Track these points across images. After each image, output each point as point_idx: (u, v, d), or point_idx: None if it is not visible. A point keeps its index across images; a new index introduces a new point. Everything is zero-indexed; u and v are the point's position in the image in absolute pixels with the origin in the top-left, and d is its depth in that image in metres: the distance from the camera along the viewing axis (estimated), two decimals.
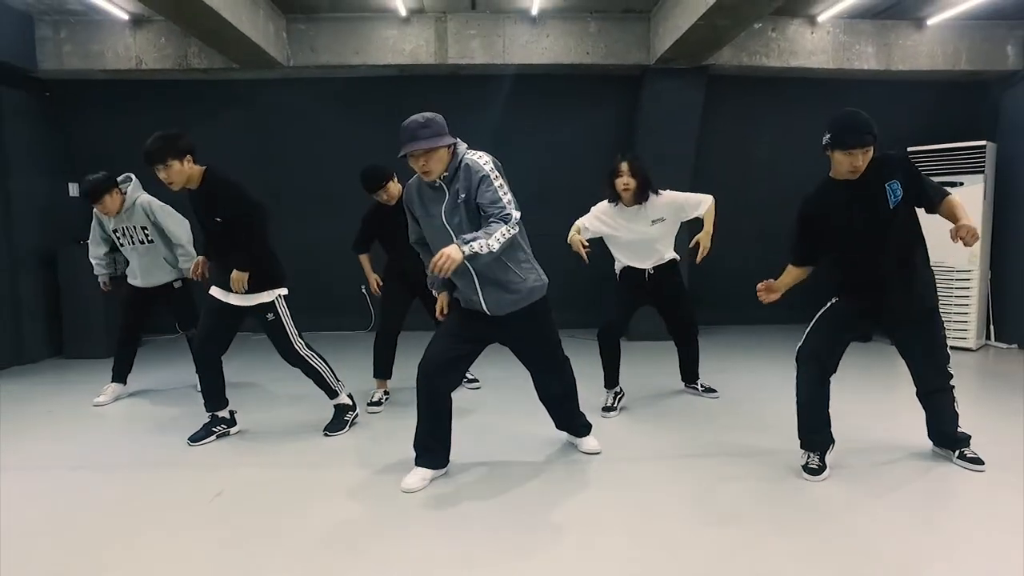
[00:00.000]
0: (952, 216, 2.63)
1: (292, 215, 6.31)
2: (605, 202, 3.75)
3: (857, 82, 5.92)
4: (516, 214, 2.55)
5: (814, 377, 2.83)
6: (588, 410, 3.25)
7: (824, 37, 5.63)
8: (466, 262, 2.44)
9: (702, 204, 3.69)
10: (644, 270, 3.80)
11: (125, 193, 4.00)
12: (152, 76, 5.66)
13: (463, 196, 2.57)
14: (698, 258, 3.68)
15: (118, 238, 4.08)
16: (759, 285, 2.93)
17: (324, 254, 6.35)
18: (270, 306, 3.27)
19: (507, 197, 2.55)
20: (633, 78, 5.96)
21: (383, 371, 4.08)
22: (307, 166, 6.27)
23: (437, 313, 2.92)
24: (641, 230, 3.69)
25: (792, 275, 2.93)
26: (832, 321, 2.84)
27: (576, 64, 5.64)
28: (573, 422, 3.15)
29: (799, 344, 2.88)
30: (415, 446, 2.84)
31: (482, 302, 2.70)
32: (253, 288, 3.19)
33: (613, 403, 3.84)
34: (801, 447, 2.87)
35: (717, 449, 3.22)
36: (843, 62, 5.66)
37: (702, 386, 4.19)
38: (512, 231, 2.51)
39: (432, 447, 2.82)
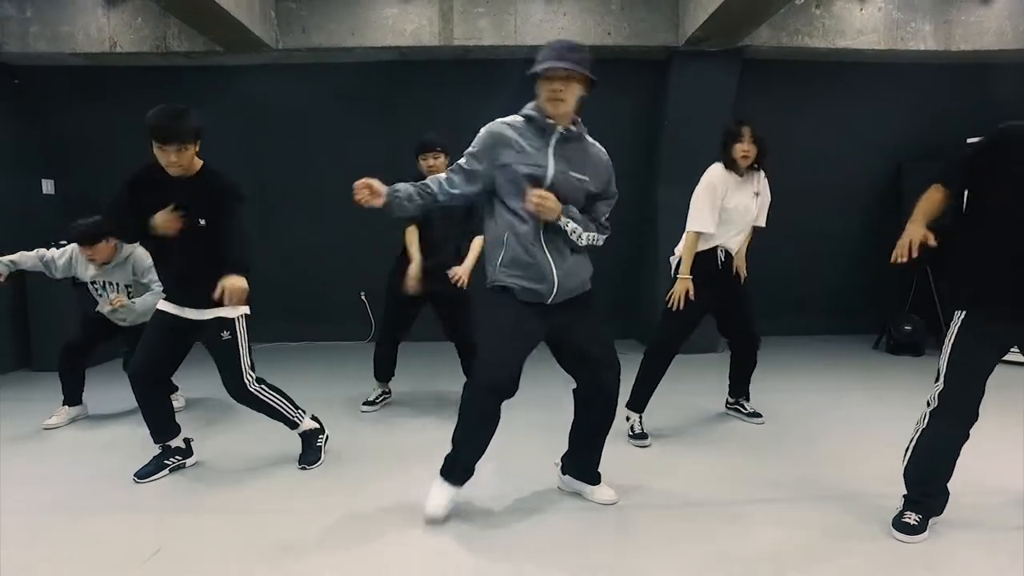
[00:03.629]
0: None
1: (282, 214, 5.82)
2: (719, 168, 3.24)
3: (912, 65, 5.32)
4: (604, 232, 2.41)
5: (955, 436, 2.17)
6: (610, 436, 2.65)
7: (875, 14, 5.04)
8: (554, 237, 2.25)
9: (763, 219, 3.45)
10: (717, 257, 3.28)
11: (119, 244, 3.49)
12: (129, 61, 5.18)
13: (584, 179, 2.27)
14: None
15: (95, 288, 3.59)
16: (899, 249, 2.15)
17: (317, 257, 5.86)
18: (230, 323, 2.72)
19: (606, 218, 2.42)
20: (659, 62, 5.40)
21: (384, 376, 3.91)
22: (298, 160, 5.77)
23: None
24: (746, 201, 3.29)
25: (928, 203, 2.19)
26: (976, 352, 2.14)
27: (596, 46, 5.07)
28: (593, 460, 2.55)
29: (939, 390, 2.17)
30: (449, 465, 2.40)
31: (554, 276, 2.25)
32: (217, 301, 2.63)
33: (642, 429, 3.26)
34: (905, 507, 2.24)
35: (775, 492, 2.61)
36: (896, 42, 5.06)
37: (747, 408, 3.60)
38: (597, 243, 2.36)
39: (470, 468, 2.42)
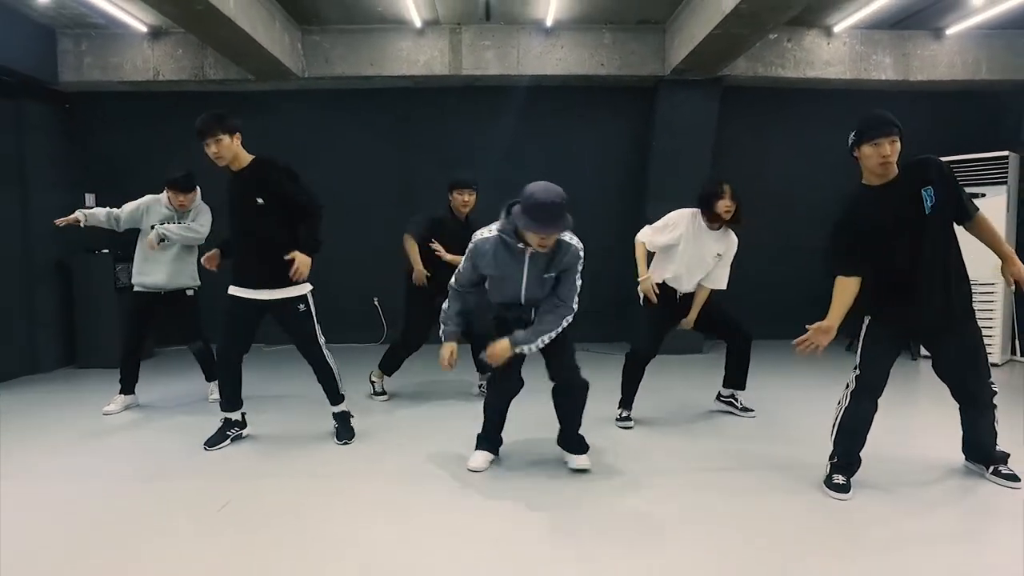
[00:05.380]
0: (990, 238, 2.63)
1: None
2: (687, 211, 3.62)
3: (874, 93, 5.84)
4: (576, 309, 2.81)
5: (869, 408, 2.70)
6: (601, 421, 3.16)
7: (840, 47, 5.59)
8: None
9: (723, 283, 3.74)
10: (676, 292, 3.70)
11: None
12: (169, 88, 5.72)
13: (552, 273, 2.76)
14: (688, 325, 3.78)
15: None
16: (806, 337, 2.59)
17: (336, 266, 6.29)
18: (303, 298, 3.29)
19: (577, 294, 2.79)
20: (647, 89, 5.94)
21: (390, 371, 4.37)
22: (321, 177, 6.19)
23: (446, 362, 2.93)
24: (705, 255, 3.59)
25: (843, 295, 2.62)
26: (880, 346, 2.69)
27: (590, 75, 5.63)
28: (573, 438, 3.06)
29: (856, 375, 2.71)
30: (487, 438, 3.11)
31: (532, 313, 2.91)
32: (289, 281, 3.20)
33: (628, 415, 3.76)
34: (834, 471, 2.75)
35: (738, 464, 3.13)
36: (860, 72, 5.61)
37: (740, 403, 3.97)
38: (565, 325, 2.79)
39: (495, 438, 3.15)
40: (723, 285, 3.72)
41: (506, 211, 2.75)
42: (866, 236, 2.60)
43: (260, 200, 3.13)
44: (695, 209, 3.60)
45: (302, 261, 3.14)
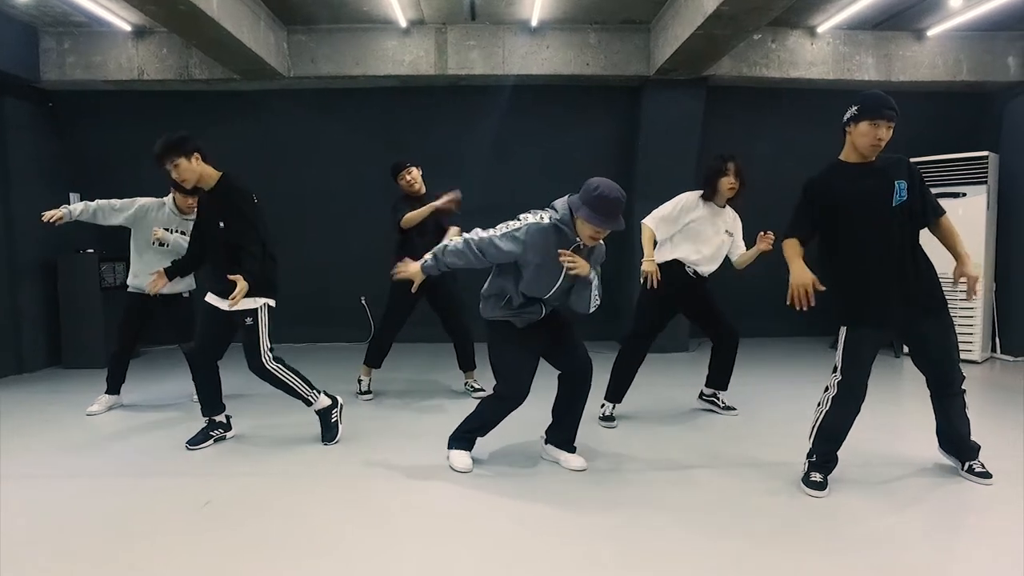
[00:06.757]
0: (950, 240, 2.72)
1: (291, 225, 6.29)
2: (691, 194, 3.66)
3: (857, 93, 5.88)
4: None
5: (850, 413, 2.72)
6: (584, 420, 3.19)
7: (824, 48, 5.64)
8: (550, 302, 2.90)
9: (739, 251, 3.81)
10: (686, 272, 3.66)
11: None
12: (154, 87, 5.70)
13: (592, 273, 2.82)
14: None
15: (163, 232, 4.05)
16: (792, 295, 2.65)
17: (324, 264, 6.35)
18: (251, 312, 3.22)
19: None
20: (633, 89, 5.97)
21: (377, 362, 4.40)
22: (307, 176, 6.29)
23: (402, 271, 2.98)
24: (717, 232, 3.65)
25: (794, 251, 2.70)
26: (860, 348, 2.68)
27: (576, 75, 5.65)
28: (572, 432, 3.11)
29: (838, 380, 2.70)
30: (466, 438, 3.08)
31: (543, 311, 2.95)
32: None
33: (612, 413, 3.78)
34: (811, 469, 2.78)
35: (720, 461, 3.16)
36: (843, 73, 5.66)
37: (723, 401, 4.00)
38: (592, 309, 2.89)
39: (473, 439, 3.13)
40: (743, 248, 3.83)
41: (566, 203, 2.76)
42: (833, 208, 2.63)
43: (221, 224, 3.16)
44: (700, 190, 3.66)
45: (240, 288, 3.06)
